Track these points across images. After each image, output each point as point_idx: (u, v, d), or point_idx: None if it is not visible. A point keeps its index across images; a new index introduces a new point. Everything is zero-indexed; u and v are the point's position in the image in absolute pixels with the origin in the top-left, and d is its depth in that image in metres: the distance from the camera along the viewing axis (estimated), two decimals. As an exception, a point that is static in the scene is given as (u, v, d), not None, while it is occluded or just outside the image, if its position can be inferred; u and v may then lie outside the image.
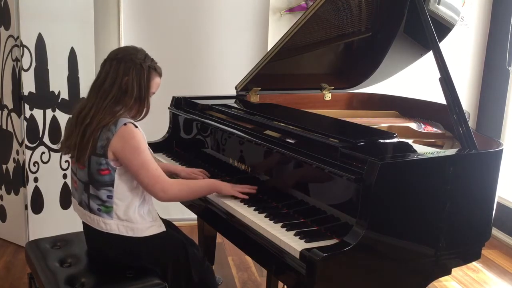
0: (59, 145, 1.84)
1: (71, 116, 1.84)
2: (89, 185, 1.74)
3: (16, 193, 3.10)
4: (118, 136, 1.67)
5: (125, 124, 1.69)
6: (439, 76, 1.82)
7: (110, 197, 1.73)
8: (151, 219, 1.83)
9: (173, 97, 2.55)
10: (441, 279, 1.97)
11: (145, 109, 1.79)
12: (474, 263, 3.03)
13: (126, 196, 1.75)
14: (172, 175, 2.10)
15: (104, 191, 1.72)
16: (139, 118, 1.80)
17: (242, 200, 1.81)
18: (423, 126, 2.29)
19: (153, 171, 1.71)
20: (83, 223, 1.85)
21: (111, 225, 1.74)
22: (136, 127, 1.72)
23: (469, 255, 1.73)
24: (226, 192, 1.84)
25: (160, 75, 1.84)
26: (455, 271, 2.95)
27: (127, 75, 1.73)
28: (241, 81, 2.48)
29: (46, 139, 3.01)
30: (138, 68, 1.74)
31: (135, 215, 1.76)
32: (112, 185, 1.72)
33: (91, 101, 1.74)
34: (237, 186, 1.86)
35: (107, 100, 1.72)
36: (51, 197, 3.09)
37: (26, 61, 2.89)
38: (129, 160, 1.69)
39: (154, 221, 1.83)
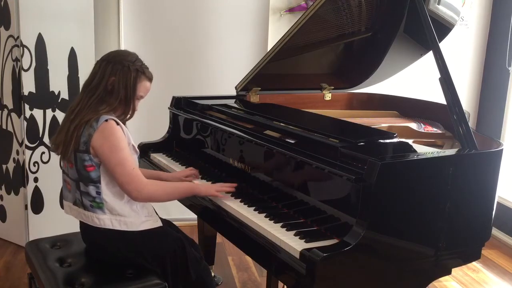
0: (50, 142, 1.87)
1: None
2: (79, 182, 1.76)
3: (16, 193, 3.10)
4: (99, 132, 1.70)
5: (106, 120, 1.72)
6: (439, 76, 1.82)
7: (98, 193, 1.75)
8: (146, 213, 1.84)
9: (173, 97, 2.55)
10: (441, 279, 1.96)
11: (130, 112, 1.83)
12: (474, 263, 3.03)
13: (113, 191, 1.76)
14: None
15: (92, 187, 1.74)
16: (125, 119, 1.84)
17: (242, 200, 1.82)
18: (423, 126, 2.29)
19: (129, 170, 1.72)
20: (80, 222, 1.87)
21: (105, 220, 1.76)
22: (118, 124, 1.75)
23: (469, 255, 1.73)
24: (204, 194, 1.88)
25: (149, 79, 1.86)
26: (455, 271, 2.95)
27: (113, 75, 1.77)
28: (241, 81, 2.48)
29: (46, 139, 3.01)
30: (125, 70, 1.77)
31: (127, 210, 1.78)
32: (99, 181, 1.74)
33: (78, 99, 1.80)
34: (215, 185, 1.90)
35: (92, 98, 1.76)
36: (51, 197, 3.09)
37: (26, 61, 2.89)
38: (107, 158, 1.71)
39: (149, 216, 1.85)
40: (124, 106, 1.80)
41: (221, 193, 1.87)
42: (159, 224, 1.86)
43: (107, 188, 1.75)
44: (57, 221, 3.03)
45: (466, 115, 1.77)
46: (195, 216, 2.43)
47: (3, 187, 3.21)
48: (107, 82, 1.76)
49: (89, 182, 1.74)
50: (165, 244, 1.84)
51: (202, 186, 1.91)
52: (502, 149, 1.75)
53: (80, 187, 1.76)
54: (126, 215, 1.77)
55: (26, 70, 2.90)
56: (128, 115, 1.84)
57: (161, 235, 1.85)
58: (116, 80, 1.76)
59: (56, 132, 1.85)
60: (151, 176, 2.03)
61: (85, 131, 1.71)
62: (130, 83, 1.78)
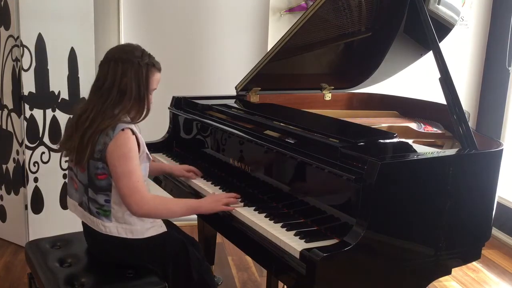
0: (59, 145, 1.83)
1: (71, 116, 1.84)
2: (88, 188, 1.74)
3: (16, 193, 3.10)
4: (114, 141, 1.66)
5: (122, 129, 1.67)
6: (439, 76, 1.82)
7: (107, 201, 1.72)
8: (151, 220, 1.81)
9: (173, 97, 2.56)
10: (441, 279, 1.96)
11: (145, 108, 1.76)
12: (474, 263, 3.03)
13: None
14: (166, 174, 2.20)
15: (101, 195, 1.72)
16: (140, 119, 1.77)
17: (242, 200, 1.81)
18: (423, 126, 2.29)
19: (134, 182, 1.66)
20: (83, 223, 1.86)
21: (110, 228, 1.74)
22: (134, 133, 1.70)
23: (469, 255, 1.73)
24: (206, 211, 1.79)
25: (159, 70, 1.81)
26: (455, 271, 2.95)
27: (125, 76, 1.71)
28: (241, 81, 2.48)
29: (46, 139, 3.01)
30: (136, 68, 1.73)
31: (134, 218, 1.74)
32: (109, 189, 1.71)
33: (91, 104, 1.73)
34: (219, 196, 1.82)
35: (106, 102, 1.70)
36: (51, 197, 3.09)
37: (26, 61, 2.89)
38: (115, 166, 1.66)
39: (154, 222, 1.82)
40: (138, 104, 1.74)
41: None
42: (164, 229, 1.83)
43: (117, 196, 1.71)
44: (57, 221, 3.04)
45: (466, 115, 1.77)
46: (195, 216, 2.43)
47: (3, 187, 3.21)
48: (120, 84, 1.71)
49: (99, 191, 1.71)
50: (168, 249, 1.83)
51: (204, 205, 1.79)
52: (502, 149, 1.75)
53: (89, 193, 1.74)
54: (132, 223, 1.74)
55: (26, 70, 2.90)
56: (144, 112, 1.77)
57: (164, 241, 1.82)
58: (129, 80, 1.71)
59: (64, 135, 1.80)
60: (153, 168, 2.04)
61: (101, 139, 1.66)
62: (143, 80, 1.73)
